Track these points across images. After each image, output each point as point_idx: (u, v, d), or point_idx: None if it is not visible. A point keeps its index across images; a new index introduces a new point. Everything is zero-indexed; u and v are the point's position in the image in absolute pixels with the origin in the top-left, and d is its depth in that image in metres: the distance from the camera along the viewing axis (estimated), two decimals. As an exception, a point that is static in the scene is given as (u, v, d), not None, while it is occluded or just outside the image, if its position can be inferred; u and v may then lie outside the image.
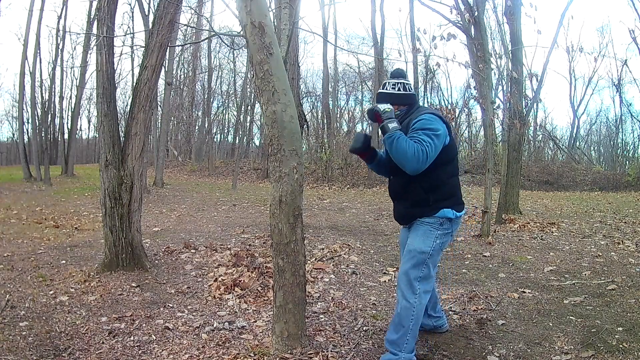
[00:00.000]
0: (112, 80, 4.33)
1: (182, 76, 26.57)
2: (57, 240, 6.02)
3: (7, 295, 3.55)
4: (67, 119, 21.28)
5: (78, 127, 25.20)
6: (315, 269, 4.34)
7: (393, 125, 2.35)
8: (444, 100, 23.75)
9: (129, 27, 19.17)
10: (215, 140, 29.00)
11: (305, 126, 10.43)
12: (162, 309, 3.36)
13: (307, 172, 17.47)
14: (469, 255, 5.01)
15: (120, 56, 19.56)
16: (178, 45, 16.56)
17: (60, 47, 18.39)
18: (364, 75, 24.33)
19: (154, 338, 2.82)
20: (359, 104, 26.34)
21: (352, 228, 6.99)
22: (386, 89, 2.56)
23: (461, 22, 6.91)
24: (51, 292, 3.68)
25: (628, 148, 25.34)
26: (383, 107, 2.41)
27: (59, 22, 18.01)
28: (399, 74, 2.62)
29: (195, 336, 2.84)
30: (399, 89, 2.53)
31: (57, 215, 8.36)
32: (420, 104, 2.74)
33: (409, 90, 2.56)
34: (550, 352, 2.56)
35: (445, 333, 2.83)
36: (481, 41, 6.15)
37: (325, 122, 22.79)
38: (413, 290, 2.40)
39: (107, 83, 4.25)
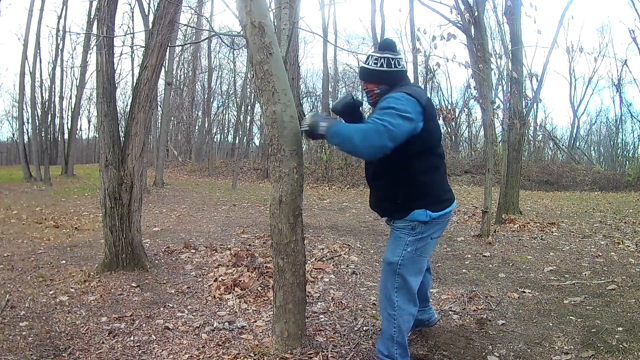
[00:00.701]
0: (112, 80, 4.33)
1: (182, 76, 26.59)
2: (57, 240, 6.02)
3: (7, 295, 3.55)
4: (67, 119, 21.29)
5: (78, 127, 25.23)
6: (315, 269, 4.34)
7: (322, 125, 2.09)
8: (444, 100, 23.79)
9: (129, 27, 19.21)
10: (215, 140, 29.01)
11: (305, 126, 10.39)
12: (162, 309, 3.36)
13: (307, 172, 17.47)
14: (469, 255, 5.01)
15: (120, 56, 19.58)
16: (178, 45, 16.57)
17: (60, 47, 18.42)
18: (364, 75, 24.27)
19: (154, 338, 2.82)
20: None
21: (352, 228, 6.99)
22: (368, 64, 2.25)
23: (461, 22, 6.91)
24: (51, 292, 3.68)
25: (628, 148, 25.39)
26: (303, 124, 2.19)
27: (59, 22, 18.05)
28: (386, 46, 2.26)
29: (195, 336, 2.84)
30: (380, 65, 2.21)
31: (57, 215, 8.36)
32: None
33: (394, 67, 2.21)
34: (550, 352, 2.56)
35: (445, 333, 2.82)
36: (481, 41, 6.15)
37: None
38: (391, 302, 2.23)
39: (107, 83, 4.25)
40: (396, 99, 2.04)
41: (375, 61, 2.22)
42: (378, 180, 2.29)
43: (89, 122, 35.69)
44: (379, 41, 17.34)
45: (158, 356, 2.59)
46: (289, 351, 2.45)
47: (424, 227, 2.19)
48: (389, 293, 2.24)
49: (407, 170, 2.15)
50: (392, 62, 2.22)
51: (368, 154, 2.04)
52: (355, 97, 2.43)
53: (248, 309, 3.31)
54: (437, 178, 2.24)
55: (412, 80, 2.55)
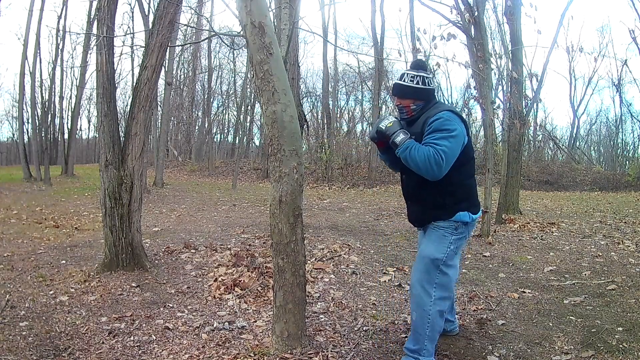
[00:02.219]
0: (112, 80, 4.33)
1: (182, 76, 26.59)
2: (57, 240, 6.02)
3: (7, 295, 3.55)
4: (67, 119, 21.29)
5: (78, 127, 25.25)
6: (315, 269, 4.34)
7: (400, 138, 2.26)
8: (444, 100, 23.75)
9: (129, 27, 19.19)
10: (215, 140, 29.02)
11: (305, 126, 10.44)
12: (162, 309, 3.36)
13: (307, 172, 17.47)
14: (469, 255, 5.01)
15: (120, 56, 19.56)
16: (178, 45, 16.56)
17: (60, 47, 18.43)
18: (364, 75, 24.31)
19: (154, 338, 2.82)
20: (359, 104, 26.29)
21: (352, 228, 6.99)
22: (404, 81, 2.39)
23: (461, 22, 6.91)
24: (51, 292, 3.68)
25: (628, 148, 25.38)
26: (384, 124, 2.33)
27: (59, 22, 18.05)
28: (419, 65, 2.44)
29: (195, 336, 2.84)
30: (417, 82, 2.36)
31: (57, 215, 8.36)
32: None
33: (429, 85, 2.39)
34: (550, 352, 2.56)
35: (446, 333, 2.82)
36: (481, 41, 6.15)
37: (325, 122, 22.80)
38: (429, 297, 2.32)
39: (107, 83, 4.25)
40: (445, 119, 2.23)
41: (412, 79, 2.37)
42: (424, 189, 2.37)
43: (89, 122, 35.72)
44: (379, 41, 17.39)
45: (158, 356, 2.59)
46: (289, 351, 2.45)
47: (464, 227, 2.37)
48: (428, 287, 2.33)
49: (454, 177, 2.31)
50: (427, 81, 2.39)
51: (427, 176, 2.22)
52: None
53: (248, 309, 3.31)
54: (473, 183, 2.47)
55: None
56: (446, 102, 22.36)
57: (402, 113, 2.44)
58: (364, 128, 25.61)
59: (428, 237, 2.41)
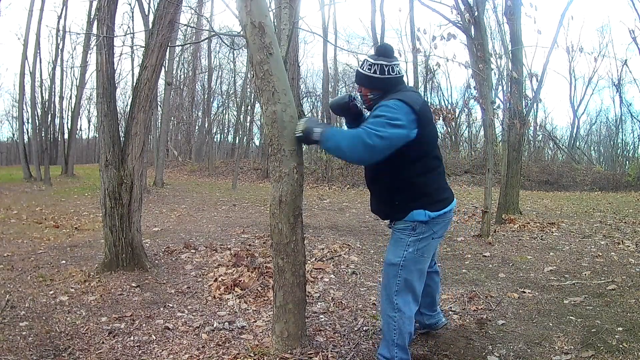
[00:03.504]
0: (112, 80, 4.33)
1: (182, 76, 26.58)
2: (57, 240, 6.02)
3: (7, 295, 3.55)
4: (67, 119, 21.29)
5: (78, 127, 25.24)
6: (315, 269, 4.34)
7: (316, 130, 2.16)
8: (444, 100, 23.76)
9: (129, 27, 19.19)
10: (215, 140, 29.02)
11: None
12: (162, 309, 3.36)
13: (307, 172, 17.47)
14: (469, 255, 5.01)
15: (120, 56, 19.59)
16: (178, 45, 16.56)
17: (60, 47, 18.43)
18: (364, 75, 24.27)
19: (154, 338, 2.82)
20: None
21: (352, 228, 6.99)
22: (362, 69, 2.27)
23: (461, 22, 6.91)
24: (51, 292, 3.68)
25: (628, 148, 25.40)
26: (298, 129, 2.25)
27: (59, 22, 18.05)
28: (381, 52, 2.26)
29: (195, 336, 2.84)
30: (374, 71, 2.21)
31: (57, 215, 8.36)
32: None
33: (388, 73, 2.21)
34: (550, 352, 2.56)
35: (445, 333, 2.82)
36: (481, 41, 6.15)
37: (325, 122, 22.80)
38: (391, 305, 2.23)
39: (107, 83, 4.25)
40: (388, 107, 2.06)
41: (369, 67, 2.23)
42: (375, 184, 2.33)
43: (89, 122, 35.75)
44: (379, 41, 17.40)
45: (158, 356, 2.59)
46: (289, 351, 2.45)
47: (424, 227, 2.20)
48: (390, 295, 2.25)
49: (404, 173, 2.17)
50: (386, 69, 2.22)
51: (356, 161, 2.12)
52: (353, 98, 2.45)
53: (248, 309, 3.30)
54: (434, 179, 2.26)
55: (412, 81, 2.62)
56: (444, 103, 22.31)
57: (363, 102, 2.37)
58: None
59: (390, 240, 2.32)
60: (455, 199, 2.39)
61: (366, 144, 1.98)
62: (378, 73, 2.22)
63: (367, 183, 2.44)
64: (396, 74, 2.24)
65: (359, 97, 2.40)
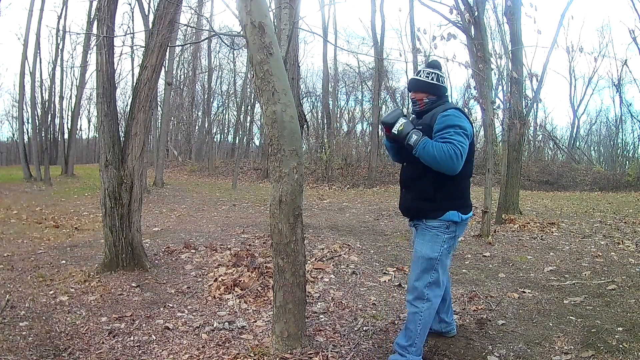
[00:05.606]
0: (112, 80, 4.33)
1: (182, 76, 26.57)
2: (57, 240, 6.02)
3: (7, 295, 3.55)
4: (67, 119, 21.25)
5: (78, 127, 25.19)
6: (315, 269, 4.34)
7: (414, 139, 2.34)
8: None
9: (129, 27, 19.18)
10: (215, 140, 28.99)
11: (305, 126, 10.41)
12: (162, 309, 3.36)
13: (307, 172, 17.47)
14: (469, 255, 5.01)
15: (120, 56, 19.60)
16: (178, 45, 16.55)
17: (60, 47, 18.37)
18: (364, 75, 24.30)
19: (154, 338, 2.82)
20: (359, 104, 26.27)
21: (352, 228, 6.99)
22: (420, 77, 2.54)
23: (461, 22, 6.90)
24: (51, 292, 3.68)
25: (628, 148, 25.36)
26: (396, 128, 2.39)
27: (59, 22, 18.02)
28: (434, 65, 2.62)
29: (195, 336, 2.84)
30: (432, 78, 2.52)
31: (57, 215, 8.36)
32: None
33: (442, 83, 2.55)
34: (550, 352, 2.56)
35: (443, 334, 2.82)
36: (481, 41, 6.15)
37: (325, 122, 22.79)
38: (421, 296, 2.41)
39: (107, 83, 4.25)
40: (457, 117, 2.36)
41: (427, 75, 2.53)
42: (420, 180, 2.45)
43: (89, 122, 35.68)
44: (379, 41, 17.41)
45: (158, 356, 2.59)
46: (289, 351, 2.45)
47: (455, 227, 2.43)
48: (422, 287, 2.42)
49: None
50: (440, 79, 2.54)
51: (445, 170, 2.29)
52: (405, 112, 2.61)
53: (248, 309, 3.31)
54: (468, 184, 2.54)
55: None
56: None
57: (415, 105, 2.58)
58: (364, 128, 25.60)
59: (421, 237, 2.47)
60: None
61: (457, 156, 2.25)
62: (435, 81, 2.52)
63: (404, 180, 2.58)
64: (444, 84, 2.60)
65: (412, 102, 2.60)
